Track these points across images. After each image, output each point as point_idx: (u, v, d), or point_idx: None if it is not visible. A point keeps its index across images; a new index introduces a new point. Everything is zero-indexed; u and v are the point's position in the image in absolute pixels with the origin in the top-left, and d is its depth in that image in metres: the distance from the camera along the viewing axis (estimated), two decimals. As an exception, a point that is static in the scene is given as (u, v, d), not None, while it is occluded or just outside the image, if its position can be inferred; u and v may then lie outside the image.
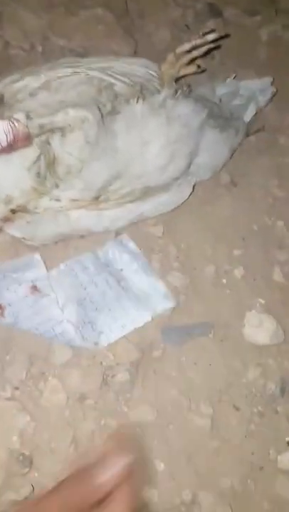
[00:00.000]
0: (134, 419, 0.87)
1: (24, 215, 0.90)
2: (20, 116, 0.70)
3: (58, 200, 0.88)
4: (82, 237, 1.02)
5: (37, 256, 0.95)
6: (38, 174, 0.84)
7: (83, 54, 1.25)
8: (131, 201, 0.97)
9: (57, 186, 0.84)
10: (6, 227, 0.94)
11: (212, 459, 0.87)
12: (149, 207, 1.00)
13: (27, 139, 0.72)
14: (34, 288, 0.91)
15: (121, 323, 0.93)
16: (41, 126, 0.75)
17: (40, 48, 1.32)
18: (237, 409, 0.91)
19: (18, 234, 0.96)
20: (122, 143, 0.88)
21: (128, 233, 1.05)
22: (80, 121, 0.78)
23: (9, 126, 0.70)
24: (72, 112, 0.78)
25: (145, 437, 0.86)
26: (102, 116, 0.81)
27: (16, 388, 0.86)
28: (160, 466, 0.85)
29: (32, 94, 0.92)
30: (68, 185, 0.85)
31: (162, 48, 1.38)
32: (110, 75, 0.87)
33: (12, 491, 0.77)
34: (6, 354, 0.89)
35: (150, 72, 0.90)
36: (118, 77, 0.87)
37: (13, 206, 0.89)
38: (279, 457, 0.89)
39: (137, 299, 0.96)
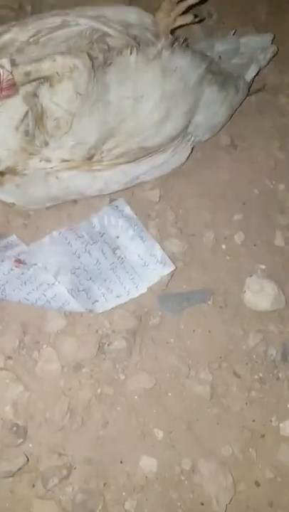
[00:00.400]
0: (132, 387, 0.84)
1: (13, 178, 0.86)
2: (4, 62, 0.65)
3: (48, 160, 0.83)
4: (75, 201, 0.98)
5: (12, 237, 0.91)
6: (27, 132, 0.79)
7: (74, 11, 1.19)
8: (126, 162, 0.92)
9: (46, 144, 0.80)
10: (-5, 191, 0.90)
11: (212, 426, 0.85)
12: (144, 169, 0.95)
13: (12, 87, 0.68)
14: (18, 261, 0.87)
15: (116, 293, 0.90)
16: (27, 74, 0.70)
17: (29, 8, 1.26)
18: (237, 376, 0.88)
19: (8, 199, 0.91)
20: (115, 96, 0.83)
21: (124, 198, 1.01)
22: (69, 69, 0.73)
23: (-6, 74, 0.65)
24: (60, 59, 0.73)
25: (143, 405, 0.83)
26: (92, 65, 0.75)
27: (9, 357, 0.83)
28: (159, 435, 0.82)
29: (19, 50, 0.87)
30: (58, 144, 0.80)
31: (156, 4, 1.31)
32: (102, 23, 0.82)
33: (6, 462, 0.74)
34: (-2, 323, 0.86)
35: (144, 19, 0.85)
36: (111, 24, 0.82)
37: (1, 168, 0.85)
38: (281, 424, 0.87)
39: (133, 270, 0.92)
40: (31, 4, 1.26)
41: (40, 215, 0.96)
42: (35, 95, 0.74)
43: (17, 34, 0.86)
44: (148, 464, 0.80)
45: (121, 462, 0.80)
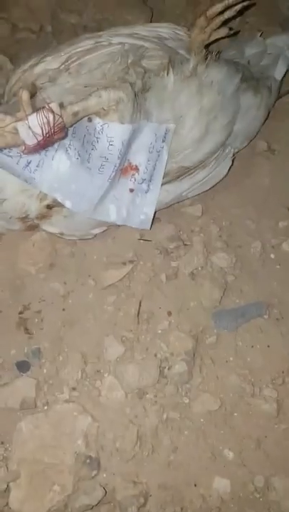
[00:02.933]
0: (197, 410, 0.84)
1: (61, 210, 0.86)
2: (53, 106, 0.65)
3: (94, 190, 0.83)
4: (118, 225, 0.97)
5: None
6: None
7: (97, 29, 1.18)
8: (167, 182, 0.92)
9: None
10: (42, 224, 0.91)
11: (281, 442, 0.84)
12: (187, 186, 0.95)
13: (62, 130, 0.67)
14: None
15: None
16: (75, 114, 0.70)
17: (49, 28, 1.25)
18: (302, 389, 0.88)
19: (55, 230, 0.92)
20: (156, 121, 0.82)
21: (165, 216, 1.00)
22: (115, 102, 0.72)
23: (44, 118, 0.64)
24: (105, 95, 0.72)
25: (210, 427, 0.83)
26: (135, 94, 0.75)
27: (73, 389, 0.84)
28: (229, 455, 0.82)
29: (52, 79, 0.87)
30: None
31: (178, 13, 1.30)
32: (137, 38, 0.81)
33: (85, 496, 0.75)
34: (58, 354, 0.87)
35: (178, 34, 0.83)
36: (146, 38, 0.81)
37: (48, 201, 0.85)
38: None
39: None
40: (51, 24, 1.26)
41: (87, 242, 0.96)
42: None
43: (49, 63, 0.86)
44: (221, 484, 0.81)
45: (195, 485, 0.80)
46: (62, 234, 0.92)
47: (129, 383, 0.84)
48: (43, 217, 0.88)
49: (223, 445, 0.83)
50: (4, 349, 0.87)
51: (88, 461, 0.78)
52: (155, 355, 0.87)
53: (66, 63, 0.87)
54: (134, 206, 0.87)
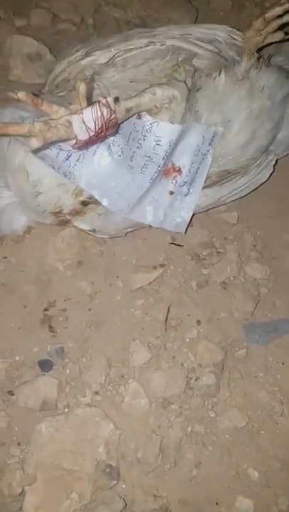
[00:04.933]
0: (223, 425, 0.81)
1: (96, 207, 0.83)
2: (109, 100, 0.62)
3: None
4: (150, 226, 0.94)
5: None
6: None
7: (140, 26, 1.16)
8: (207, 186, 0.89)
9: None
10: (74, 220, 0.88)
11: (308, 465, 0.81)
12: (227, 191, 0.92)
13: (114, 126, 0.64)
14: None
15: None
16: (128, 110, 0.67)
17: (90, 21, 1.23)
18: None
19: (87, 227, 0.89)
20: (204, 123, 0.80)
21: (198, 221, 0.97)
22: (168, 100, 0.69)
23: (98, 113, 0.61)
24: (159, 92, 0.69)
25: (236, 444, 0.80)
26: (189, 93, 0.72)
27: (96, 393, 0.81)
28: (254, 475, 0.79)
29: (98, 72, 0.84)
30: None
31: (222, 15, 1.27)
32: (191, 43, 0.78)
33: (104, 506, 0.72)
34: (82, 355, 0.84)
35: (233, 37, 0.81)
36: (201, 44, 0.78)
37: (83, 198, 0.82)
38: None
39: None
40: (93, 17, 1.23)
41: (116, 241, 0.93)
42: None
43: (98, 58, 0.83)
44: (244, 504, 0.77)
45: (216, 503, 0.77)
46: (94, 231, 0.90)
47: (155, 392, 0.81)
48: (76, 213, 0.86)
49: (247, 464, 0.79)
50: (27, 346, 0.84)
51: (108, 470, 0.75)
52: (182, 365, 0.84)
53: (113, 58, 0.85)
54: (172, 209, 0.84)
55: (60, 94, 0.78)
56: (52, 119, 0.63)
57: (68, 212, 0.85)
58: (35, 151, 0.71)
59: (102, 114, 0.62)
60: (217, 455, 0.79)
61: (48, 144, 0.64)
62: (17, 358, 0.83)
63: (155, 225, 0.87)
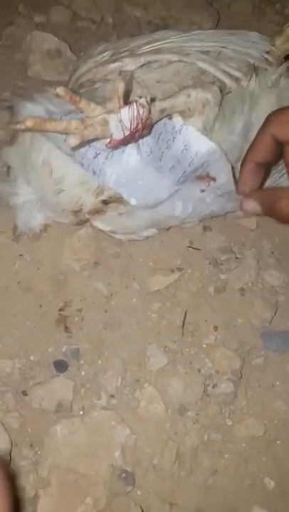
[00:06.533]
0: (241, 434, 0.79)
1: (118, 207, 0.82)
2: (146, 100, 0.60)
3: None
4: (167, 229, 0.94)
5: None
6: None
7: (161, 26, 1.15)
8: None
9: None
10: (93, 219, 0.87)
11: None
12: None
13: (148, 127, 0.63)
14: None
15: None
16: (162, 111, 0.65)
17: (110, 20, 1.22)
18: None
19: (105, 227, 0.88)
20: (227, 133, 0.78)
21: (217, 225, 0.97)
22: (202, 104, 0.68)
23: (135, 112, 0.60)
24: (194, 94, 0.68)
25: (252, 453, 0.79)
26: (222, 98, 0.71)
27: (112, 396, 0.79)
28: (270, 485, 0.78)
29: (122, 74, 0.83)
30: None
31: (241, 20, 1.27)
32: (222, 70, 0.76)
33: (119, 513, 0.71)
34: (98, 358, 0.82)
35: (264, 44, 0.80)
36: (231, 72, 0.76)
37: (104, 197, 0.81)
38: None
39: None
40: (113, 17, 1.23)
41: (133, 243, 0.92)
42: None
43: (127, 65, 0.82)
44: (258, 515, 0.76)
45: (232, 513, 0.76)
46: (112, 232, 0.88)
47: (171, 398, 0.80)
48: (96, 212, 0.84)
49: (264, 473, 0.78)
50: (42, 346, 0.82)
51: (124, 475, 0.73)
52: (199, 371, 0.83)
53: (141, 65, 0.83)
54: (202, 203, 0.83)
55: (83, 92, 0.77)
56: (88, 117, 0.62)
57: (88, 211, 0.84)
58: (74, 149, 0.69)
59: (138, 113, 0.61)
60: (233, 464, 0.78)
61: (84, 143, 0.63)
62: (32, 358, 0.81)
63: (183, 217, 0.85)
